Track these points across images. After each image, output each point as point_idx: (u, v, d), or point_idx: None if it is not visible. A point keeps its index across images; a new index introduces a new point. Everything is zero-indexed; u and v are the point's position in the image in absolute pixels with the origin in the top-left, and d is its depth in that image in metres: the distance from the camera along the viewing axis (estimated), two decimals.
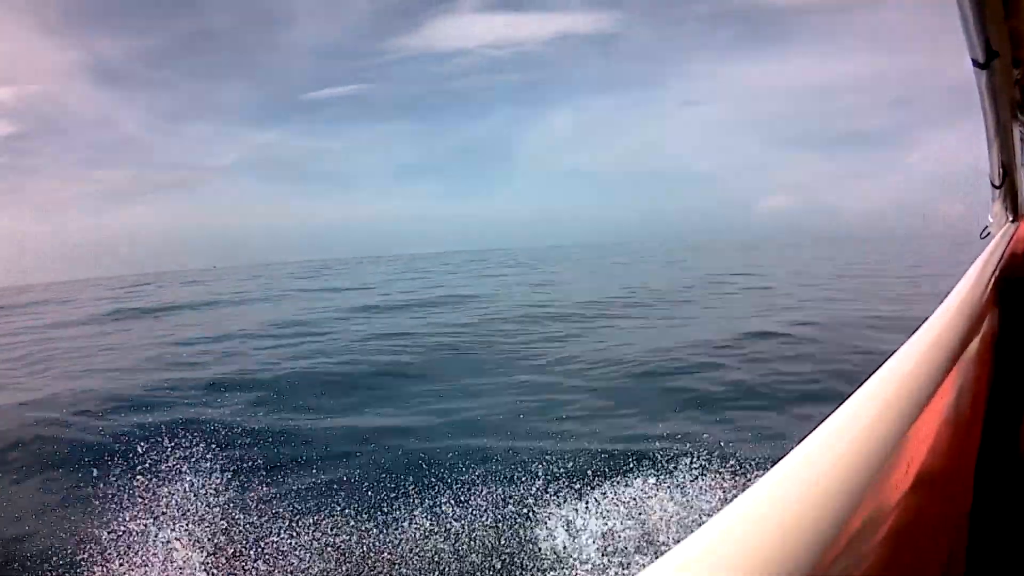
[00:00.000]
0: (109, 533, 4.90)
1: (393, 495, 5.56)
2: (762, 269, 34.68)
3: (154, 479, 5.54)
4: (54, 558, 4.73)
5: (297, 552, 4.78)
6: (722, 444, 6.15)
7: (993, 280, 1.96)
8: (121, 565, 4.64)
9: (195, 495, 5.37)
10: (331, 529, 5.02)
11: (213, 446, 6.23)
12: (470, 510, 5.19)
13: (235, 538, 4.98)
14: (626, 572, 4.40)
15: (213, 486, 5.55)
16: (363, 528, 5.06)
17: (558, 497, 5.26)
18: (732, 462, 5.57)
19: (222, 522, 5.13)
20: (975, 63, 2.14)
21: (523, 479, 5.63)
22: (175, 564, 4.64)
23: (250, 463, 6.36)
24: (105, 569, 4.61)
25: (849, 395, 0.77)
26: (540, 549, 4.71)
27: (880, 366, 0.90)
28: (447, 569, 4.59)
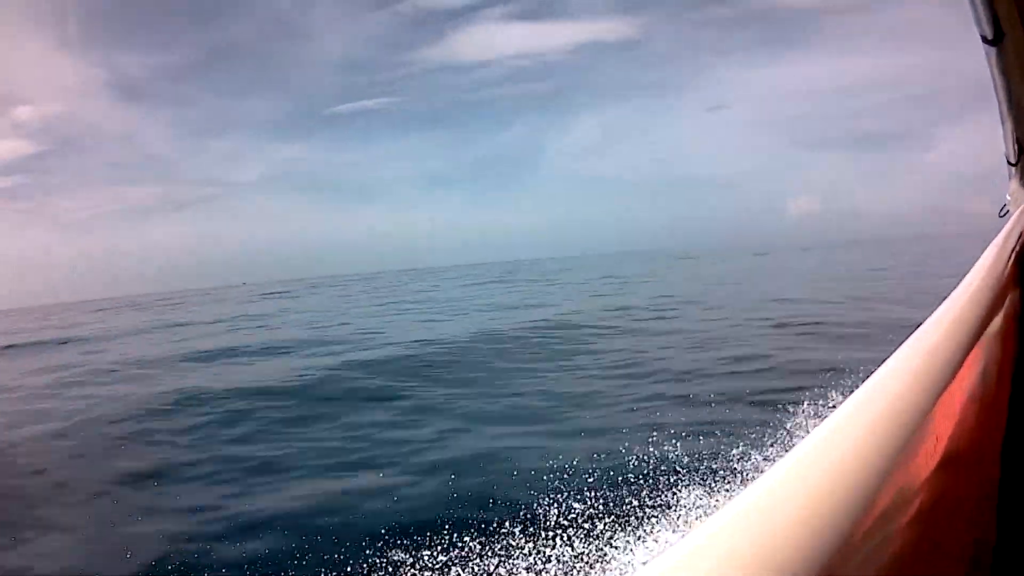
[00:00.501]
0: None
1: None
2: (717, 288, 28.90)
3: None
4: None
5: None
6: None
7: (1014, 257, 1.92)
8: None
9: None
10: None
11: None
12: None
13: None
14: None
15: None
16: None
17: None
18: None
19: None
20: (984, 39, 2.16)
21: None
22: None
23: None
24: None
25: (873, 371, 0.75)
26: None
27: (902, 343, 0.88)
28: None
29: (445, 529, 4.97)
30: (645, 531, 4.74)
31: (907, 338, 0.92)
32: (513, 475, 6.16)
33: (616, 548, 4.50)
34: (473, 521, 5.13)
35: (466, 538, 4.84)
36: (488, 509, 5.41)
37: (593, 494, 5.38)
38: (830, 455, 0.53)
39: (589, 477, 5.80)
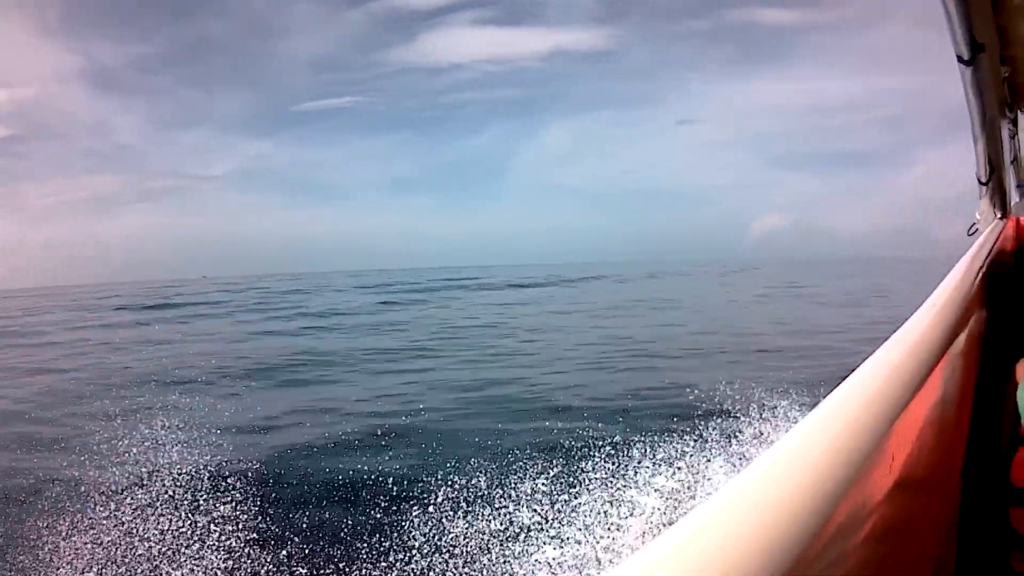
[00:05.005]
0: None
1: None
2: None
3: None
4: None
5: None
6: None
7: (981, 276, 1.87)
8: None
9: None
10: None
11: None
12: None
13: None
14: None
15: None
16: None
17: None
18: None
19: None
20: (960, 59, 2.20)
21: None
22: None
23: None
24: None
25: (832, 391, 0.75)
26: None
27: (864, 362, 0.87)
28: None
29: None
30: None
31: (869, 355, 0.91)
32: None
33: None
34: None
35: None
36: None
37: None
38: (784, 473, 0.55)
39: None
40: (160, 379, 12.13)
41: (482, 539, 4.91)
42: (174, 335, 21.36)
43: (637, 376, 11.58)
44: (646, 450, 6.26)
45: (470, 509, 5.36)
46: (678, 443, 6.43)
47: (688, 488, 5.46)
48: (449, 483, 5.78)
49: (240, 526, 5.27)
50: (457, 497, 5.54)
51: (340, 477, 6.50)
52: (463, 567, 4.60)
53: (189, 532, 5.15)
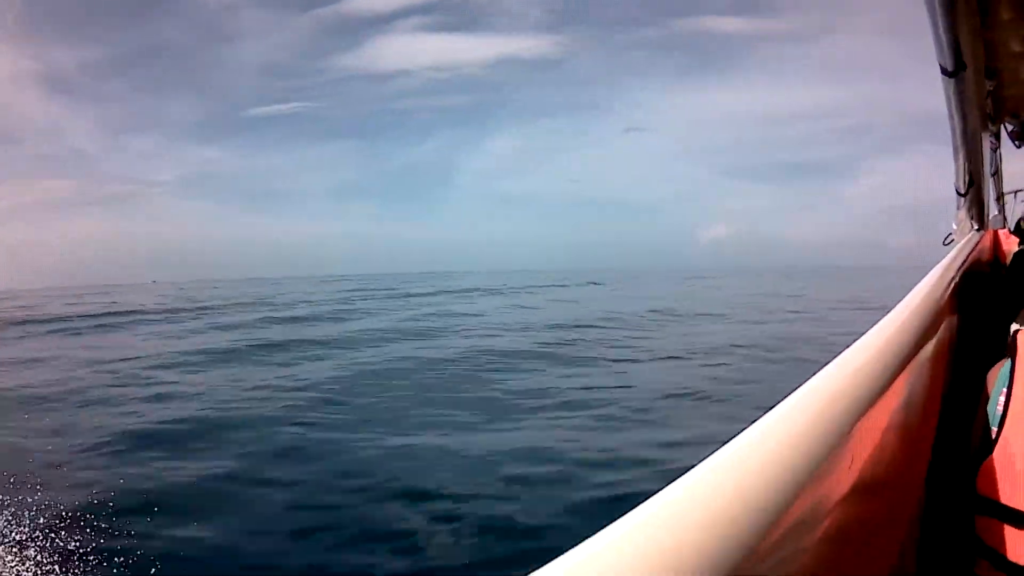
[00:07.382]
0: None
1: None
2: None
3: None
4: None
5: None
6: None
7: (953, 285, 1.90)
8: None
9: None
10: None
11: None
12: None
13: None
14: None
15: None
16: None
17: None
18: None
19: None
20: (944, 71, 2.19)
21: None
22: None
23: None
24: None
25: (795, 389, 0.75)
26: None
27: (829, 362, 0.88)
28: None
29: None
30: None
31: (835, 357, 0.91)
32: None
33: None
34: None
35: None
36: None
37: None
38: (741, 466, 0.54)
39: None
40: None
41: None
42: None
43: None
44: None
45: None
46: None
47: None
48: None
49: None
50: None
51: None
52: None
53: None
